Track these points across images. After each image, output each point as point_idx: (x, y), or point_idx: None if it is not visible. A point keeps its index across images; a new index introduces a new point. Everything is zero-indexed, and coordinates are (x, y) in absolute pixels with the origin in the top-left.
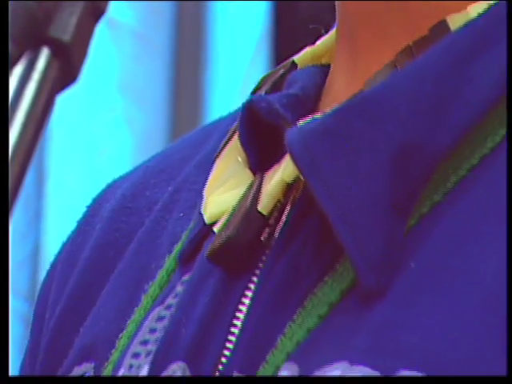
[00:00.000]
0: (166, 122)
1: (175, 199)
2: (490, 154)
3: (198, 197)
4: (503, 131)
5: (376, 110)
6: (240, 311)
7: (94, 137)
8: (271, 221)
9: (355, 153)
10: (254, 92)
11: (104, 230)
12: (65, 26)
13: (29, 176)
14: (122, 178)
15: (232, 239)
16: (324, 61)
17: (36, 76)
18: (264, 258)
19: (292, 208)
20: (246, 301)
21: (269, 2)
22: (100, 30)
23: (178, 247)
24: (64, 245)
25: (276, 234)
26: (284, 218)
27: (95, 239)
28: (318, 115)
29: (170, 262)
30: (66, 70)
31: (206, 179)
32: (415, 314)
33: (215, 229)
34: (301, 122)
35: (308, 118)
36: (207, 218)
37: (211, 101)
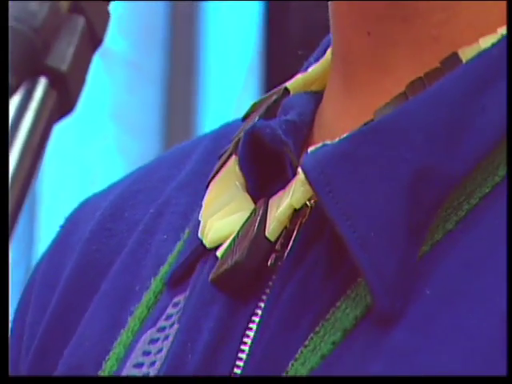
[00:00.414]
0: (159, 149)
1: (157, 222)
2: (502, 183)
3: (182, 219)
4: None
5: (392, 136)
6: (247, 336)
7: (86, 164)
8: (278, 246)
9: (371, 177)
10: (245, 117)
11: (84, 251)
12: (62, 55)
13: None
14: (98, 196)
15: (239, 265)
16: (314, 88)
17: (34, 105)
18: (271, 283)
19: (298, 233)
20: (254, 326)
21: (260, 27)
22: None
23: (164, 269)
24: (39, 265)
25: (283, 260)
26: (291, 243)
27: (75, 260)
28: (328, 142)
29: (156, 283)
30: (63, 100)
31: (187, 201)
32: (431, 341)
33: (218, 253)
34: (312, 149)
35: (319, 144)
36: (208, 243)
37: (204, 129)
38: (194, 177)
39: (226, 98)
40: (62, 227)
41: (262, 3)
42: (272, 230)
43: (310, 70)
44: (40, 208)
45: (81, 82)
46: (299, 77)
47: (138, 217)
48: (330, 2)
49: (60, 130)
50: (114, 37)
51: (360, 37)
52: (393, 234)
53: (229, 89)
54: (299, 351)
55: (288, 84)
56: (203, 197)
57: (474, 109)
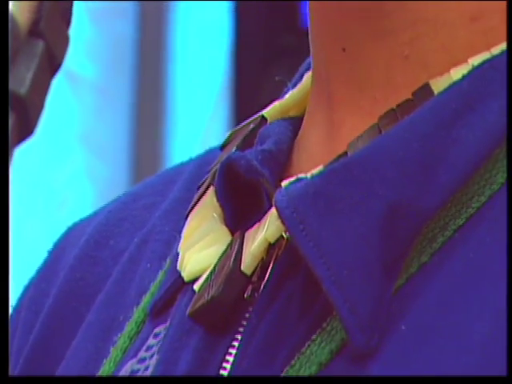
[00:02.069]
0: (127, 172)
1: (142, 250)
2: (476, 214)
3: (165, 247)
4: (489, 191)
5: (364, 172)
6: (224, 369)
7: (54, 188)
8: (254, 278)
9: (345, 214)
10: (223, 146)
11: (67, 278)
12: (21, 79)
13: None
14: (84, 222)
15: (216, 299)
16: (292, 113)
17: None
18: (248, 315)
19: (274, 266)
20: (230, 358)
21: (229, 52)
22: (60, 83)
23: (146, 298)
24: (26, 290)
25: (259, 292)
26: (267, 276)
27: (59, 287)
28: (302, 175)
29: (138, 313)
30: (22, 123)
31: (171, 229)
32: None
33: (195, 287)
34: (286, 183)
35: (292, 178)
36: (186, 276)
37: (171, 152)
38: (178, 204)
39: (194, 123)
40: (50, 253)
41: (230, 27)
42: (247, 264)
43: (287, 95)
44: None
45: (40, 105)
46: (276, 103)
47: (122, 245)
48: (308, 21)
49: (27, 153)
50: (81, 62)
51: (335, 53)
52: (367, 271)
53: (197, 114)
54: None
55: (265, 112)
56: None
57: (446, 142)
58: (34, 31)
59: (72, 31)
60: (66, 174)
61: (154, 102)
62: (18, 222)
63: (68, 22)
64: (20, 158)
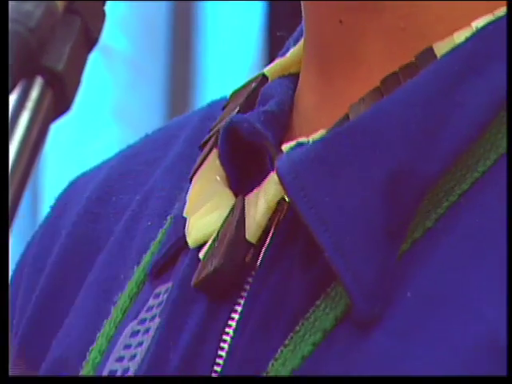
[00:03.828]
0: None
1: (143, 207)
2: (482, 179)
3: (166, 204)
4: (495, 155)
5: (366, 137)
6: (227, 334)
7: (88, 163)
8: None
9: (346, 180)
10: (225, 106)
11: (70, 236)
12: (58, 55)
13: (24, 202)
14: (86, 177)
15: (219, 269)
16: (293, 70)
17: (30, 105)
18: (250, 279)
19: (276, 230)
20: (233, 323)
21: (262, 24)
22: (95, 57)
23: (147, 257)
24: (29, 246)
25: (260, 257)
26: (268, 240)
27: (61, 245)
28: (303, 139)
29: (138, 272)
30: (59, 99)
31: (172, 186)
32: (414, 345)
33: (200, 255)
34: (286, 147)
35: (292, 142)
36: (191, 243)
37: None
38: (179, 160)
39: (227, 94)
40: (52, 208)
41: (264, 1)
42: (252, 232)
43: (288, 53)
44: (42, 207)
45: (76, 81)
46: (277, 61)
47: (124, 201)
48: None
49: (62, 128)
50: (116, 36)
51: (332, 25)
52: (369, 237)
53: (231, 86)
54: (279, 351)
55: (266, 70)
56: (186, 185)
57: (449, 106)
58: (70, 8)
59: (107, 6)
60: (100, 147)
61: (188, 74)
62: (52, 197)
63: None
64: (54, 131)
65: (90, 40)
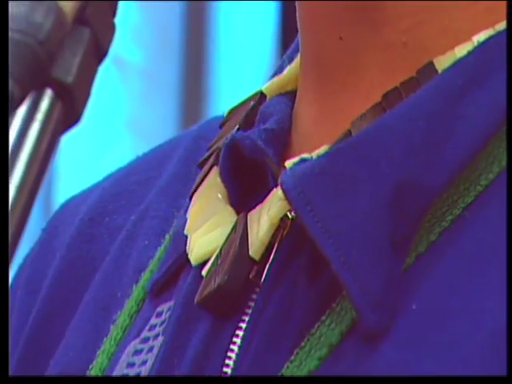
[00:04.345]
0: None
1: (139, 227)
2: (485, 192)
3: (163, 223)
4: (497, 168)
5: (371, 151)
6: (232, 351)
7: (101, 174)
8: (259, 259)
9: (352, 194)
10: (222, 125)
11: (65, 258)
12: (68, 67)
13: (37, 213)
14: (77, 199)
15: (223, 286)
16: (289, 88)
17: (39, 117)
18: (254, 296)
19: (279, 247)
20: (238, 340)
21: (275, 38)
22: (108, 69)
23: (145, 276)
24: (21, 269)
25: (264, 273)
26: (272, 256)
27: (56, 267)
28: (306, 155)
29: (138, 291)
30: (69, 111)
31: (168, 205)
32: (420, 357)
33: (203, 272)
34: (289, 163)
35: (295, 158)
36: (193, 260)
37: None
38: (175, 180)
39: None
40: (43, 231)
41: (277, 8)
42: (255, 249)
43: (285, 71)
44: None
45: (86, 93)
46: (275, 79)
47: (119, 222)
48: (298, 7)
49: (76, 139)
50: (129, 47)
51: (332, 41)
52: (376, 250)
53: (243, 95)
54: (285, 367)
55: (264, 88)
56: (184, 203)
57: (452, 119)
58: (80, 19)
59: (120, 17)
60: (114, 159)
61: (201, 85)
62: None
63: (114, 10)
64: (67, 143)
65: (99, 52)
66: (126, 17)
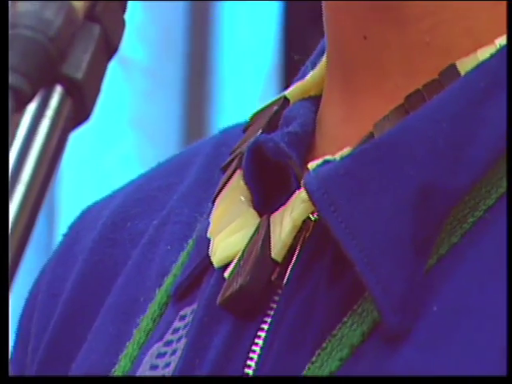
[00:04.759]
0: None
1: (161, 232)
2: (506, 194)
3: (185, 229)
4: None
5: (395, 153)
6: (254, 352)
7: (105, 172)
8: (281, 261)
9: (375, 195)
10: (246, 128)
11: (87, 262)
12: (78, 63)
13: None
14: (99, 204)
15: (244, 287)
16: (312, 93)
17: (49, 113)
18: (277, 297)
19: (302, 249)
20: (260, 341)
21: (279, 36)
22: (112, 66)
23: (169, 280)
24: (43, 273)
25: (286, 275)
26: (294, 258)
27: (78, 271)
28: (329, 157)
29: (161, 294)
30: (78, 108)
31: (190, 210)
32: (441, 358)
33: (226, 275)
34: (313, 164)
35: (318, 160)
36: (216, 262)
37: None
38: (196, 186)
39: (245, 106)
40: (65, 236)
41: (280, 7)
42: (277, 251)
43: (308, 76)
44: (58, 215)
45: (96, 89)
46: (298, 84)
47: (140, 227)
48: (324, 8)
49: (79, 137)
50: (133, 45)
51: (357, 41)
52: (399, 251)
53: (247, 96)
54: (306, 368)
55: (287, 92)
56: (206, 206)
57: (475, 122)
58: (91, 15)
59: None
60: (117, 158)
61: (205, 84)
62: (68, 205)
63: (124, 7)
64: (71, 141)
65: (109, 48)
66: (129, 15)
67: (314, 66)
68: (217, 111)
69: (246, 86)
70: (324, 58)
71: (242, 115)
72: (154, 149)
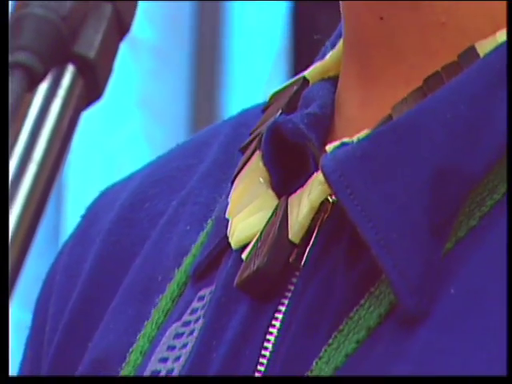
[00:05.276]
0: (185, 137)
1: (180, 212)
2: None
3: (204, 209)
4: None
5: (412, 135)
6: (271, 334)
7: (113, 152)
8: (299, 243)
9: (393, 177)
10: (265, 108)
11: (104, 242)
12: (90, 42)
13: None
14: (117, 186)
15: (262, 269)
16: (332, 73)
17: (61, 93)
18: (294, 279)
19: (320, 231)
20: (277, 323)
21: (287, 17)
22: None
23: (188, 260)
24: (60, 255)
25: (304, 257)
26: (312, 240)
27: (96, 251)
28: (347, 139)
29: (180, 275)
30: (90, 87)
31: (209, 191)
32: (458, 340)
33: (243, 256)
34: (330, 147)
35: (336, 142)
36: (233, 243)
37: (229, 115)
38: (215, 167)
39: (253, 86)
40: (83, 218)
41: None
42: (295, 232)
43: (327, 56)
44: (66, 195)
45: (108, 69)
46: (317, 65)
47: (159, 207)
48: None
49: (86, 117)
50: (140, 25)
51: (373, 22)
52: (416, 234)
53: (255, 76)
54: (323, 350)
55: (306, 73)
56: (225, 187)
57: (493, 104)
58: None
59: None
60: (125, 137)
61: (213, 64)
62: (76, 185)
63: None
64: (79, 122)
65: (121, 27)
66: None
67: (333, 46)
68: (225, 91)
69: (254, 65)
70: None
71: (250, 94)
72: (162, 128)
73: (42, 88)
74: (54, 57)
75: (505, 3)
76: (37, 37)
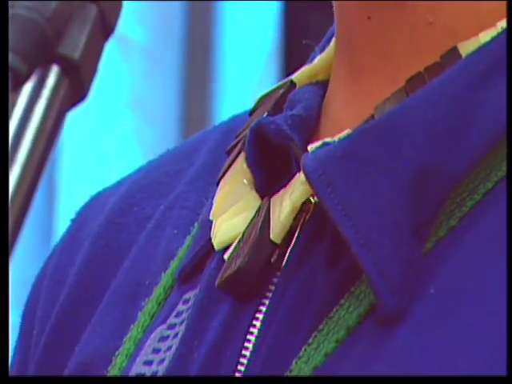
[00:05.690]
0: (176, 137)
1: (167, 216)
2: (505, 178)
3: (191, 213)
4: None
5: (393, 134)
6: (252, 334)
7: (104, 153)
8: (281, 243)
9: (373, 177)
10: (252, 111)
11: (92, 246)
12: (74, 43)
13: (40, 193)
14: (107, 191)
15: (242, 269)
16: (320, 78)
17: (46, 93)
18: (275, 279)
19: (301, 231)
20: (258, 323)
21: (279, 18)
22: (110, 47)
23: (174, 263)
24: (50, 259)
25: (286, 257)
26: (294, 240)
27: (84, 255)
28: (328, 139)
29: (166, 278)
30: (75, 88)
31: (197, 195)
32: (437, 340)
33: (225, 256)
34: (312, 147)
35: (318, 142)
36: (216, 244)
37: (220, 116)
38: (204, 171)
39: (244, 86)
40: (72, 221)
41: None
42: (276, 232)
43: (315, 60)
44: (58, 196)
45: (93, 69)
46: (305, 69)
47: (147, 211)
48: None
49: (78, 118)
50: (131, 25)
51: (361, 21)
52: (396, 234)
53: (247, 77)
54: (303, 349)
55: (294, 76)
56: (213, 192)
57: (475, 104)
58: None
59: None
60: (116, 138)
61: (204, 65)
62: (68, 186)
63: None
64: (69, 122)
65: (106, 28)
66: None
67: (322, 50)
68: (216, 91)
69: (245, 66)
70: (332, 43)
71: (242, 95)
72: (153, 129)
73: (27, 89)
74: (39, 57)
75: (494, 4)
76: (21, 37)
